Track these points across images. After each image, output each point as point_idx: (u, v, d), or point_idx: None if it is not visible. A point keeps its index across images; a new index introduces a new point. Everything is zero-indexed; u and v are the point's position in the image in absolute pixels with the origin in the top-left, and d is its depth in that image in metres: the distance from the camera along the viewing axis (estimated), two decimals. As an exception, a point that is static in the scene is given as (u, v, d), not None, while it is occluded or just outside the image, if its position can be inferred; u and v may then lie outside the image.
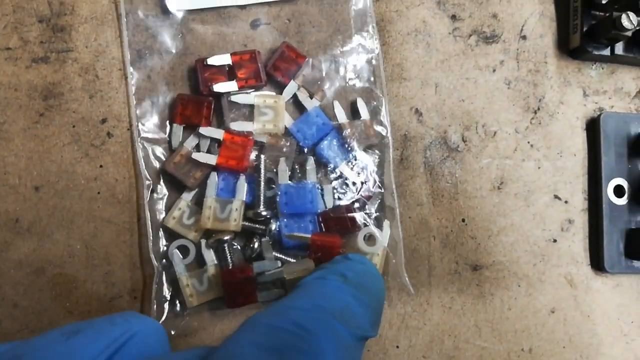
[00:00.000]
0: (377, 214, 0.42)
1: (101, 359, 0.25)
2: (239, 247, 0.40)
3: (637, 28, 0.45)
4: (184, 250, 0.40)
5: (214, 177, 0.40)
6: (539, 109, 0.47)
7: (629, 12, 0.44)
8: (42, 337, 0.26)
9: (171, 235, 0.40)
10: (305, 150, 0.41)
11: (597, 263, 0.45)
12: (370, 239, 0.41)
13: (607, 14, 0.45)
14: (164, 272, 0.40)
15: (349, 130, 0.42)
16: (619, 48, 0.47)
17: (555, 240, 0.45)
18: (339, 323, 0.26)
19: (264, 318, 0.26)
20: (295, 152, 0.41)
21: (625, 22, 0.44)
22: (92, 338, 0.26)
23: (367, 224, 0.41)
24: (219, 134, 0.40)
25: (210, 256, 0.39)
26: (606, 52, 0.47)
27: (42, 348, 0.25)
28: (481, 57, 0.46)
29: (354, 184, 0.41)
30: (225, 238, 0.39)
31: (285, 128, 0.42)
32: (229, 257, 0.39)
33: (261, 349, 0.24)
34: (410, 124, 0.45)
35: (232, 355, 0.24)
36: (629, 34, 0.45)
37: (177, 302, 0.40)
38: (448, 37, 0.46)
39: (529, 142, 0.46)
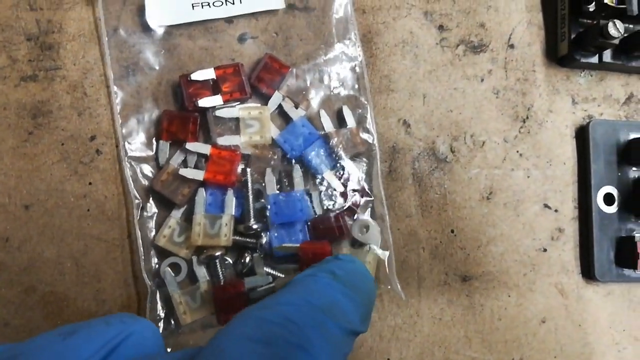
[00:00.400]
0: (368, 220, 0.42)
1: (95, 359, 0.26)
2: (231, 262, 0.40)
3: (625, 35, 0.45)
4: (175, 267, 0.40)
5: (202, 193, 0.40)
6: (527, 117, 0.46)
7: (615, 20, 0.44)
8: (38, 338, 0.26)
9: (162, 253, 0.40)
10: (293, 161, 0.41)
11: (588, 272, 0.45)
12: (365, 229, 0.41)
13: (595, 22, 0.45)
14: (157, 291, 0.40)
15: (335, 139, 0.42)
16: (607, 55, 0.47)
17: (545, 250, 0.45)
18: (328, 318, 0.26)
19: (253, 312, 0.26)
20: (282, 162, 0.41)
21: (612, 30, 0.44)
22: (87, 338, 0.26)
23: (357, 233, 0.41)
24: (205, 149, 0.40)
25: (202, 273, 0.39)
26: (594, 59, 0.47)
27: (38, 348, 0.25)
28: (469, 67, 0.46)
29: (342, 193, 0.41)
30: (217, 254, 0.39)
31: (272, 139, 0.42)
32: (220, 272, 0.39)
33: (250, 341, 0.24)
34: (399, 135, 0.45)
35: (220, 348, 0.24)
36: (616, 42, 0.45)
37: (171, 319, 0.40)
38: (435, 48, 0.46)
39: (518, 152, 0.46)
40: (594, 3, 0.46)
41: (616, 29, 0.44)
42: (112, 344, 0.27)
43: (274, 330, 0.25)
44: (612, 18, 0.44)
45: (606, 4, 0.45)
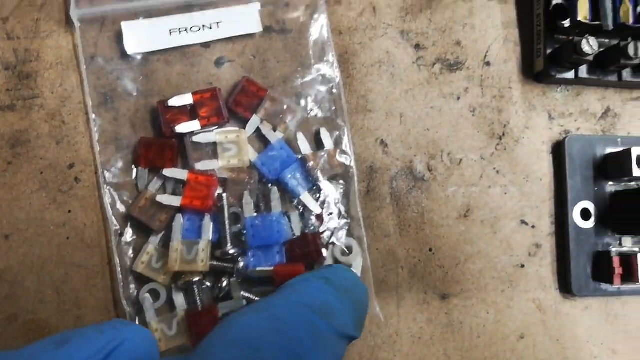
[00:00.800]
0: (346, 241, 0.41)
1: None
2: (209, 287, 0.39)
3: (600, 51, 0.44)
4: (154, 294, 0.39)
5: (179, 220, 0.39)
6: (504, 134, 0.46)
7: (589, 37, 0.43)
8: (31, 347, 0.26)
9: (141, 280, 0.39)
10: (270, 185, 0.41)
11: (566, 287, 0.44)
12: (347, 250, 0.41)
13: (570, 38, 0.44)
14: (137, 317, 0.39)
15: (313, 161, 0.41)
16: (583, 71, 0.46)
17: (523, 266, 0.44)
18: (320, 318, 0.26)
19: (241, 317, 0.26)
20: (260, 185, 0.41)
21: (585, 47, 0.43)
22: (79, 347, 0.26)
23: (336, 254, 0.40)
24: (182, 174, 0.39)
25: (179, 300, 0.38)
26: (570, 75, 0.46)
27: (30, 357, 0.25)
28: (445, 85, 0.46)
29: (319, 215, 0.41)
30: (194, 279, 0.38)
31: (250, 162, 0.41)
32: (197, 298, 0.38)
33: (236, 346, 0.23)
34: (376, 155, 0.44)
35: (206, 354, 0.23)
36: (591, 58, 0.44)
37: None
38: (412, 67, 0.45)
39: (494, 169, 0.45)
40: (568, 19, 0.45)
41: (589, 45, 0.43)
42: (105, 352, 0.26)
43: (263, 334, 0.24)
44: (587, 34, 0.44)
45: (580, 20, 0.44)
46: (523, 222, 0.45)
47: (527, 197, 0.45)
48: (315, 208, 0.41)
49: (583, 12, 0.45)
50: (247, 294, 0.39)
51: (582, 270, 0.44)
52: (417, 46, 0.46)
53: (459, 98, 0.46)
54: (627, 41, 0.44)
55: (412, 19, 0.46)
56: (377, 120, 0.44)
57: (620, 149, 0.45)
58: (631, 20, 0.44)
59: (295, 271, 0.37)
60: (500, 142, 0.45)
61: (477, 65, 0.46)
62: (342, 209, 0.42)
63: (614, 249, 0.44)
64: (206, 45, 0.43)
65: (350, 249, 0.41)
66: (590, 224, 0.44)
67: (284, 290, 0.29)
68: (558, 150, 0.46)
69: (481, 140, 0.45)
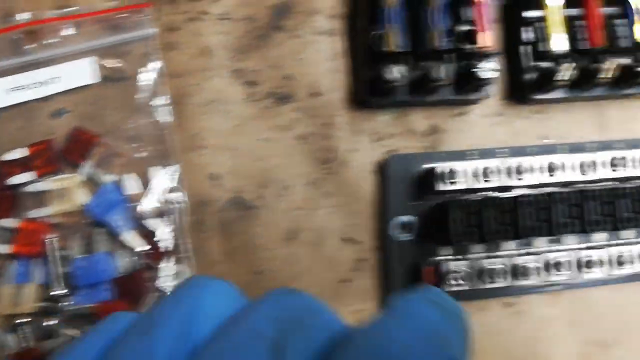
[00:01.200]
0: (173, 274, 0.42)
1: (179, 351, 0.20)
2: (36, 326, 0.40)
3: (422, 73, 0.45)
4: (-11, 336, 0.40)
5: (10, 266, 0.40)
6: (331, 159, 0.47)
7: (391, 66, 0.44)
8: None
9: (-21, 324, 0.40)
10: (97, 226, 0.42)
11: (387, 298, 0.45)
12: (176, 275, 0.42)
13: (384, 67, 0.45)
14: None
15: (142, 200, 0.42)
16: (403, 94, 0.47)
17: (346, 281, 0.45)
18: (442, 349, 0.20)
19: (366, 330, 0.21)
20: (91, 227, 0.42)
21: (390, 75, 0.44)
22: (161, 334, 0.20)
23: (163, 287, 0.41)
24: (15, 223, 0.41)
25: (10, 342, 0.40)
26: (391, 99, 0.47)
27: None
28: (276, 118, 0.47)
29: (145, 251, 0.42)
30: (21, 321, 0.39)
31: (83, 206, 0.42)
32: (23, 339, 0.39)
33: None
34: (208, 189, 0.45)
35: None
36: (400, 83, 0.45)
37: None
38: (244, 103, 0.46)
39: (322, 192, 0.46)
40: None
41: (393, 73, 0.44)
42: (185, 327, 0.21)
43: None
44: (405, 60, 0.45)
45: (386, 50, 0.45)
46: (348, 239, 0.46)
47: (353, 215, 0.46)
48: (139, 246, 0.42)
49: (393, 41, 0.45)
50: (71, 331, 0.40)
51: (400, 281, 0.45)
52: (249, 83, 0.47)
53: (288, 129, 0.47)
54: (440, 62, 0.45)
55: (245, 58, 0.47)
56: (210, 155, 0.45)
57: (436, 165, 0.46)
58: (440, 44, 0.45)
59: (117, 307, 0.39)
60: (327, 166, 0.46)
61: (306, 96, 0.47)
62: (171, 242, 0.43)
63: (430, 259, 0.45)
64: (45, 99, 0.44)
65: (180, 274, 0.42)
66: (409, 236, 0.45)
67: (395, 314, 0.22)
68: (381, 170, 0.47)
69: (309, 166, 0.46)
